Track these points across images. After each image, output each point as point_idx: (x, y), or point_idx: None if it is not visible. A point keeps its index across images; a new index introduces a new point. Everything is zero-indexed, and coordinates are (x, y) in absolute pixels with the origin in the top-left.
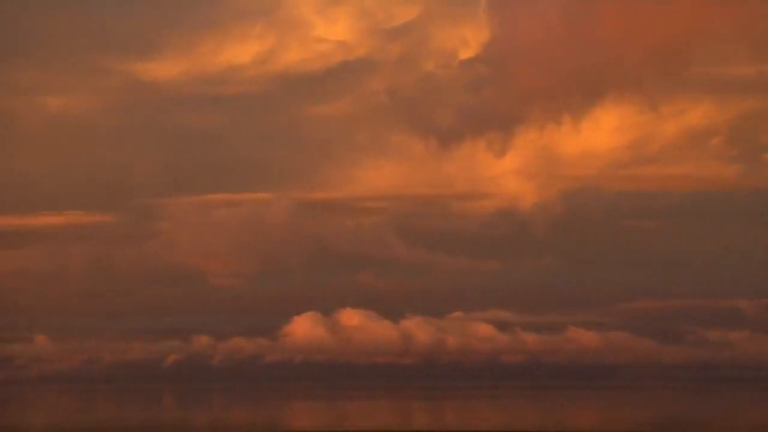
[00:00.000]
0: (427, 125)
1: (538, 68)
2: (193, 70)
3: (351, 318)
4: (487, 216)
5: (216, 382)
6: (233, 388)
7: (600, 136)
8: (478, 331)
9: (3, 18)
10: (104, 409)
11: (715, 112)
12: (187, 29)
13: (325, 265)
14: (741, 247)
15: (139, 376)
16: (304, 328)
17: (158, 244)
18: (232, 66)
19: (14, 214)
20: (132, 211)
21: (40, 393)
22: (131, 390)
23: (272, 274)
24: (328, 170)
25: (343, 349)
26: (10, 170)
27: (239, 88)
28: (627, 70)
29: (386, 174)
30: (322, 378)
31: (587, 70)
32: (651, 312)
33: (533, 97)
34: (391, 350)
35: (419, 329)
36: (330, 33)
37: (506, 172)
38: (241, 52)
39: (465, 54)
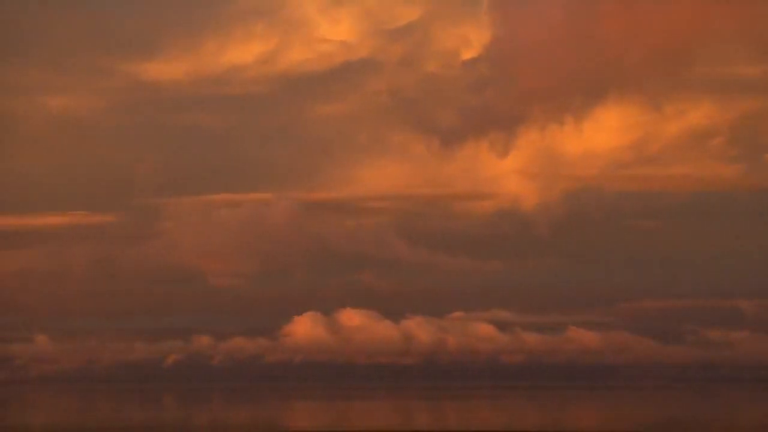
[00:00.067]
0: (429, 125)
1: (540, 68)
2: (196, 70)
3: (351, 318)
4: (488, 216)
5: (216, 382)
6: (234, 388)
7: (602, 136)
8: (479, 331)
9: (5, 18)
10: (105, 409)
11: (717, 112)
12: (190, 29)
13: (325, 265)
14: (742, 247)
15: (140, 376)
16: (304, 328)
17: (159, 244)
18: (235, 66)
19: (16, 215)
20: (133, 211)
21: (41, 393)
22: (132, 390)
23: (273, 274)
24: (330, 170)
25: (343, 349)
26: (12, 170)
27: (241, 89)
28: (629, 70)
29: (388, 174)
30: (322, 378)
31: (589, 71)
32: (652, 312)
33: (535, 97)
34: (392, 350)
35: (420, 329)
36: (333, 33)
37: (508, 172)
38: (243, 52)
39: (467, 54)
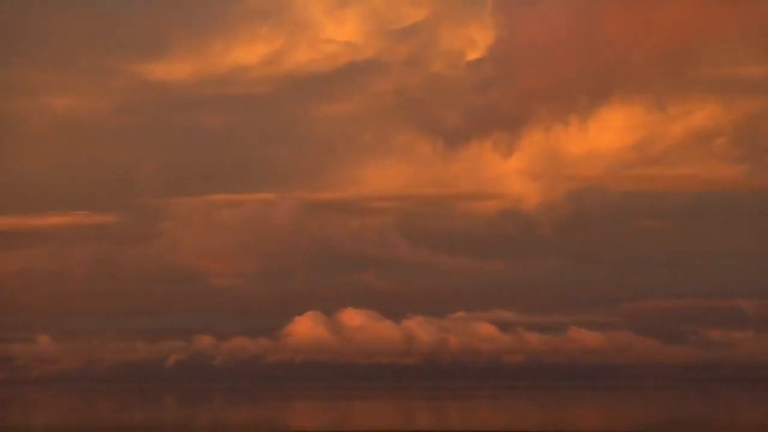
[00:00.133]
0: (433, 126)
1: (545, 69)
2: (201, 70)
3: (353, 318)
4: (491, 216)
5: (218, 382)
6: (235, 388)
7: (606, 136)
8: (481, 331)
9: (9, 18)
10: (106, 409)
11: (721, 112)
12: (196, 30)
13: (327, 265)
14: (745, 247)
15: (141, 376)
16: (305, 328)
17: (161, 245)
18: (240, 67)
19: (19, 215)
20: (136, 211)
21: (42, 393)
22: (133, 390)
23: (274, 274)
24: (334, 170)
25: (344, 349)
26: (15, 171)
27: (246, 89)
28: (633, 71)
29: (392, 174)
30: (323, 378)
31: (594, 71)
32: (654, 312)
33: (540, 98)
34: (393, 350)
35: (421, 329)
36: (338, 34)
37: (512, 172)
38: (249, 52)
39: (472, 55)
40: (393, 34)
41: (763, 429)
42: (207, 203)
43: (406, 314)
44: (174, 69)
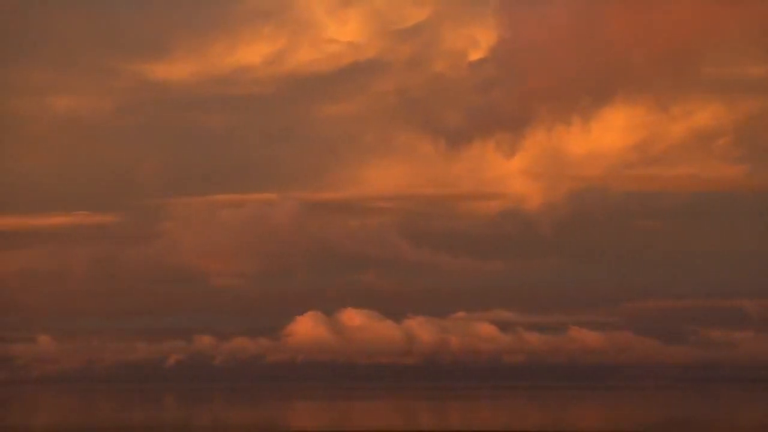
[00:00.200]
0: (435, 126)
1: (547, 69)
2: (203, 71)
3: (353, 318)
4: (493, 216)
5: (218, 382)
6: (235, 388)
7: (608, 136)
8: (481, 332)
9: (11, 18)
10: (106, 409)
11: (723, 112)
12: (198, 30)
13: (327, 265)
14: (746, 247)
15: (141, 376)
16: (306, 328)
17: (162, 245)
18: (242, 67)
19: (19, 215)
20: (137, 211)
21: (42, 393)
22: (133, 390)
23: (275, 274)
24: (336, 170)
25: (345, 349)
26: (16, 171)
27: (248, 89)
28: (636, 71)
29: (393, 174)
30: (324, 378)
31: (596, 71)
32: (654, 312)
33: (542, 98)
34: (394, 350)
35: (422, 329)
36: (341, 34)
37: (514, 172)
38: (251, 53)
39: (474, 55)
40: (395, 34)
41: (763, 429)
42: (208, 203)
43: (407, 314)
44: (175, 69)
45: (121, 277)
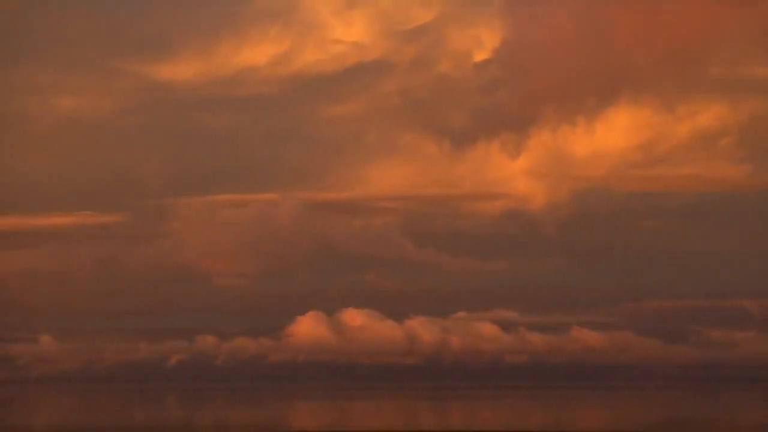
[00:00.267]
0: (440, 126)
1: (552, 70)
2: (208, 71)
3: (354, 318)
4: (496, 216)
5: (220, 382)
6: (237, 388)
7: (612, 137)
8: (483, 331)
9: (15, 18)
10: (108, 409)
11: (728, 113)
12: (203, 31)
13: (329, 265)
14: (748, 247)
15: (143, 376)
16: (307, 328)
17: (165, 245)
18: (247, 68)
19: (22, 215)
20: (140, 211)
21: (44, 393)
22: (135, 390)
23: (276, 274)
24: (340, 170)
25: (346, 349)
26: (20, 171)
27: (253, 90)
28: (642, 72)
29: (398, 175)
30: (325, 378)
31: (601, 72)
32: (657, 312)
33: (547, 99)
34: (395, 350)
35: (423, 329)
36: (346, 35)
37: (518, 173)
38: (257, 53)
39: (479, 56)
40: (400, 35)
41: (765, 429)
42: (211, 203)
43: (408, 314)
44: (180, 69)
45: (122, 277)
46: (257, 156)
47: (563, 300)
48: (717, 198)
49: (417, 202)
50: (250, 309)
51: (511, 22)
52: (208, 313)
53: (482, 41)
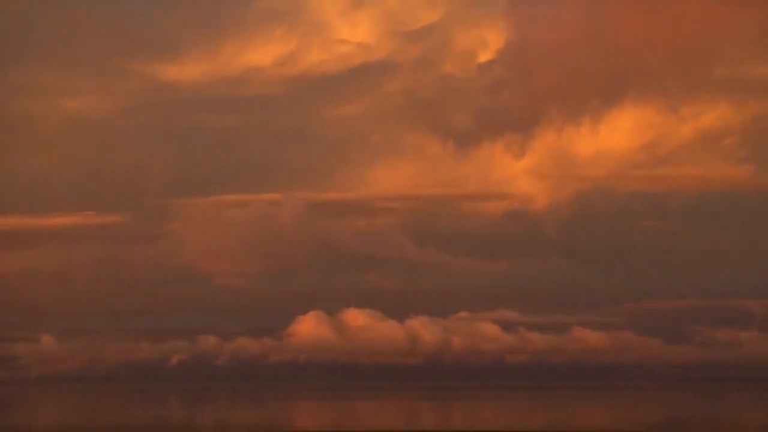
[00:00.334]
0: (444, 127)
1: (557, 70)
2: (214, 71)
3: (356, 318)
4: (498, 216)
5: (221, 381)
6: (238, 387)
7: (616, 137)
8: (484, 331)
9: (20, 18)
10: (109, 409)
11: (732, 113)
12: (209, 31)
13: (330, 264)
14: (751, 247)
15: (144, 376)
16: (308, 327)
17: (168, 245)
18: (253, 68)
19: (26, 215)
20: (143, 211)
21: (45, 393)
22: (136, 390)
23: (278, 274)
24: (344, 171)
25: (348, 349)
26: (24, 171)
27: (258, 90)
28: (647, 72)
29: (402, 175)
30: (327, 378)
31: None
32: (658, 312)
33: (552, 99)
34: (397, 350)
35: (425, 329)
36: (352, 35)
37: (521, 173)
38: (262, 54)
39: (484, 56)
40: (405, 35)
41: (766, 429)
42: (213, 203)
43: (410, 314)
44: (186, 70)
45: (124, 277)
46: (261, 156)
47: (564, 300)
48: (720, 198)
49: (420, 202)
50: (252, 309)
51: (515, 23)
52: (210, 313)
53: (487, 42)
